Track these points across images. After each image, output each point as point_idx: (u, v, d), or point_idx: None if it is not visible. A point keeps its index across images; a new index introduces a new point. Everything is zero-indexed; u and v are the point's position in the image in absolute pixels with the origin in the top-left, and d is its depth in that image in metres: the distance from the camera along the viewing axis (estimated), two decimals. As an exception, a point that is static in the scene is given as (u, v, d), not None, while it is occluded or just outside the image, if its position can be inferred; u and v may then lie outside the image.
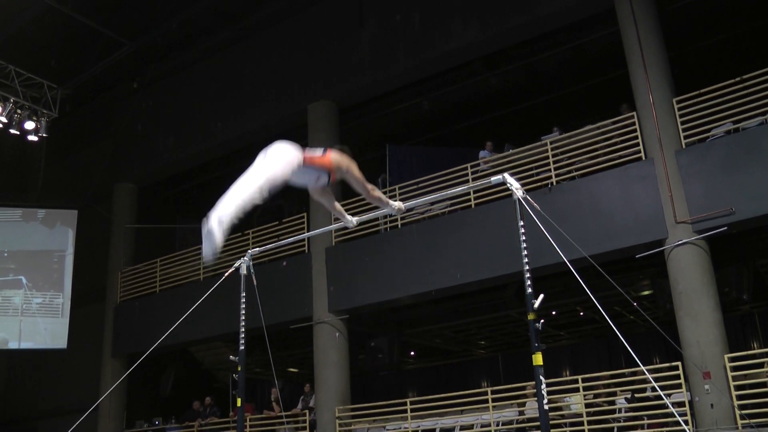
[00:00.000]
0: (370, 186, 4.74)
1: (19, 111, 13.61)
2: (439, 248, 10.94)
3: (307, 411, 12.28)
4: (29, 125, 13.77)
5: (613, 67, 11.83)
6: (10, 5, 12.45)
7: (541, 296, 4.27)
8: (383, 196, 4.96)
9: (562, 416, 9.97)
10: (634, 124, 10.00)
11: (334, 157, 4.45)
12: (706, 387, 8.56)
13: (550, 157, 10.63)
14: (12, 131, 13.60)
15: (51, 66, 14.19)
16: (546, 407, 4.13)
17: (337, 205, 5.03)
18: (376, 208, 5.19)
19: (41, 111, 13.97)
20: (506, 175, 4.67)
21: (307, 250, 12.56)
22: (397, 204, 5.03)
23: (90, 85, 15.19)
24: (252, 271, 6.01)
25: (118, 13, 13.51)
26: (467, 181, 11.16)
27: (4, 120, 13.37)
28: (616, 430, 9.48)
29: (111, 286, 15.57)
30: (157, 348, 7.28)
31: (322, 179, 4.51)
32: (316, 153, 4.42)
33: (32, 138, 13.97)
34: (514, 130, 14.15)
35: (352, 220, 5.24)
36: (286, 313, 12.31)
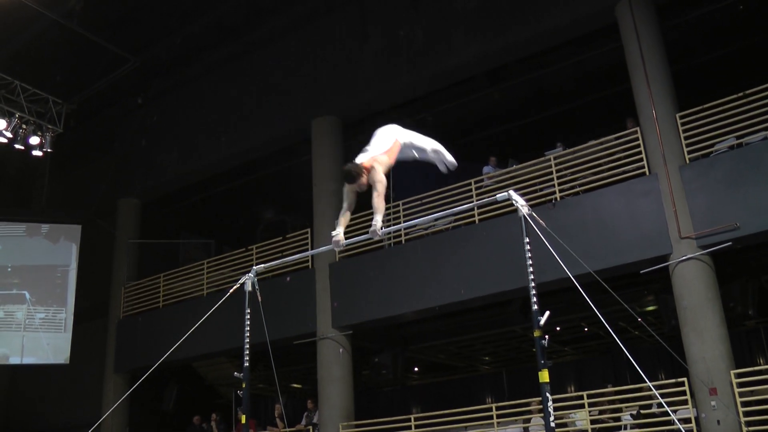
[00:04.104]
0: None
1: (24, 126, 13.61)
2: (443, 264, 10.92)
3: (311, 427, 12.21)
4: (34, 140, 13.75)
5: (617, 82, 11.84)
6: (16, 20, 12.51)
7: (547, 313, 4.25)
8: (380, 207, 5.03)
9: (568, 433, 9.91)
10: (637, 139, 10.01)
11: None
12: (713, 403, 8.50)
13: (554, 172, 10.64)
14: (17, 146, 13.62)
15: (56, 81, 14.24)
16: (552, 424, 4.10)
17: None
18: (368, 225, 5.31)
19: (46, 126, 13.98)
20: (512, 191, 4.68)
21: (311, 266, 12.53)
22: (375, 227, 5.04)
23: (95, 100, 15.22)
24: (257, 287, 5.99)
25: (123, 28, 13.57)
26: (471, 197, 11.16)
27: (9, 135, 13.37)
28: (622, 447, 9.43)
29: (114, 301, 15.55)
30: (160, 364, 7.26)
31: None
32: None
33: (37, 153, 13.96)
34: (518, 145, 14.15)
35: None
36: (290, 329, 12.24)
